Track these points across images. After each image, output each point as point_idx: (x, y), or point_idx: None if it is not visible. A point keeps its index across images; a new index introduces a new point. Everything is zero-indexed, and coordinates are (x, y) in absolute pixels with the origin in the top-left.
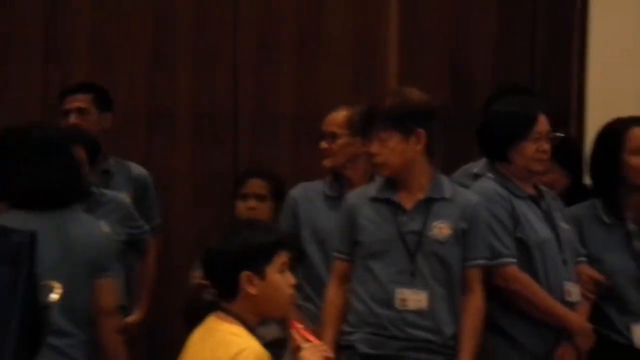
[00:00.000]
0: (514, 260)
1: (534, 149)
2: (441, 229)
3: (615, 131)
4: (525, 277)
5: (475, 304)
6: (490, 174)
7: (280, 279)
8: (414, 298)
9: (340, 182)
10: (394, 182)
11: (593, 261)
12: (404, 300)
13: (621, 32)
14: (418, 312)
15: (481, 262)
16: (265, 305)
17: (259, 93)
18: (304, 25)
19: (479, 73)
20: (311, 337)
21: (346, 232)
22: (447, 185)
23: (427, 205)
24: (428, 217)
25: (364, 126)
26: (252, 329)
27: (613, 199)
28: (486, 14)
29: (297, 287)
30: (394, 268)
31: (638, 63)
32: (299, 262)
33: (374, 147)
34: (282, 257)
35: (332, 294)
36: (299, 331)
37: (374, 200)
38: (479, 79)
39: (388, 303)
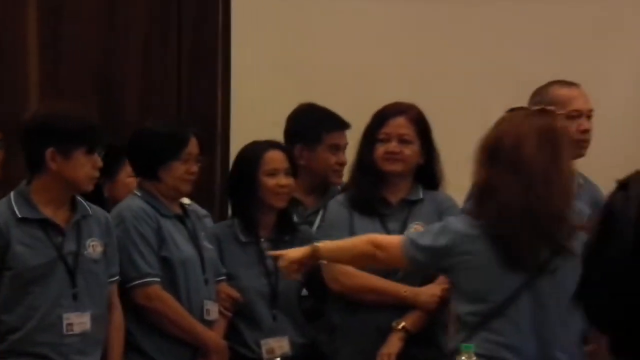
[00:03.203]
0: (158, 279)
1: (184, 169)
2: (95, 247)
3: (252, 153)
4: (166, 296)
5: (119, 319)
6: (137, 192)
7: None
8: (78, 321)
9: None
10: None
11: (230, 278)
12: (69, 324)
13: (261, 61)
14: (82, 335)
15: (119, 277)
16: None
17: None
18: None
19: (127, 89)
20: None
21: None
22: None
23: (79, 224)
24: (82, 235)
25: None
26: None
27: (249, 218)
28: (133, 33)
29: None
30: (57, 291)
31: (277, 88)
32: None
33: None
34: None
35: None
36: None
37: (24, 221)
38: (127, 95)
39: (51, 328)
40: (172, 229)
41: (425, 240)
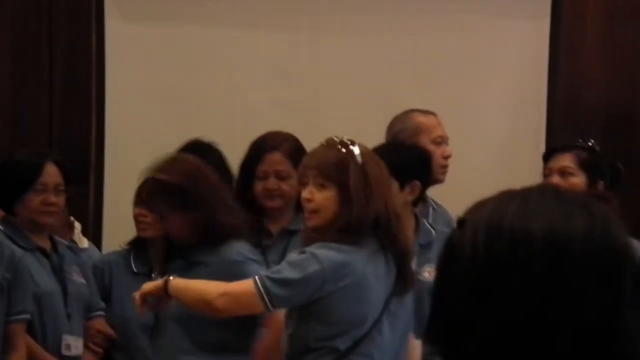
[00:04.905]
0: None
1: (39, 201)
2: None
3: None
4: None
5: None
6: (0, 226)
7: None
8: None
9: None
10: None
11: (109, 310)
12: None
13: (136, 90)
14: None
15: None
16: None
17: None
18: None
19: None
20: None
21: None
22: None
23: None
24: None
25: None
26: None
27: (141, 249)
28: (0, 59)
29: None
30: None
31: (153, 118)
32: None
33: None
34: None
35: None
36: None
37: None
38: None
39: None
40: (32, 262)
41: (294, 274)
